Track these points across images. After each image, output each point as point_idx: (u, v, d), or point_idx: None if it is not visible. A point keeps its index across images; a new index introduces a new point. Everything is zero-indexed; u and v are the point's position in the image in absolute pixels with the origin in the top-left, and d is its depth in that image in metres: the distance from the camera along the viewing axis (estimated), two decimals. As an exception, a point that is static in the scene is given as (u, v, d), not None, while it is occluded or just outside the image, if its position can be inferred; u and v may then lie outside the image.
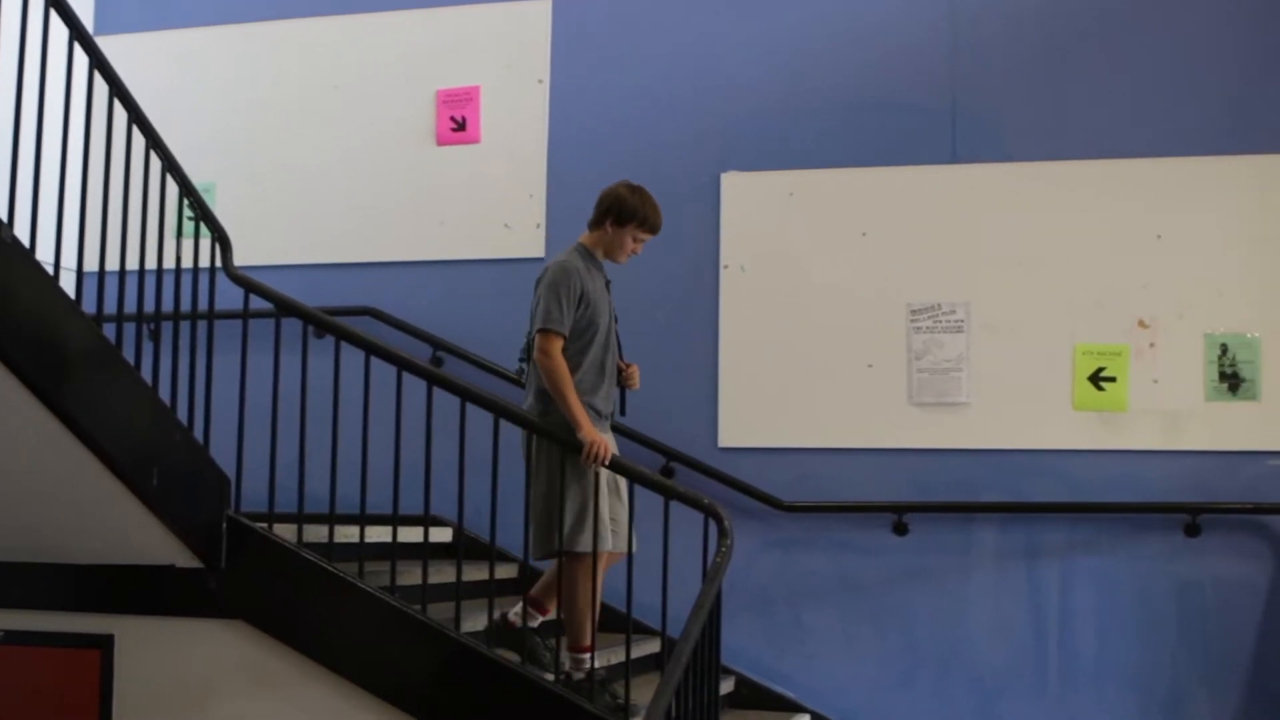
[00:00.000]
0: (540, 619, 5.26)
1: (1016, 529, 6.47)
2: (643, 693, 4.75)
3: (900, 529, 6.47)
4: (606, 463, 5.04)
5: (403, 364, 5.31)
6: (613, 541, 5.09)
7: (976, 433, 6.52)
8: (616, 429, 5.47)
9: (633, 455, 5.99)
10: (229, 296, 5.46)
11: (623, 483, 5.19)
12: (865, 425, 6.57)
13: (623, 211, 5.13)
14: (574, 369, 5.06)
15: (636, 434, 6.66)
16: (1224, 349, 6.37)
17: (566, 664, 5.17)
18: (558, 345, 5.01)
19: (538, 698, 5.02)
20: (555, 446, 5.05)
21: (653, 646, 6.03)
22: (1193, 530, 6.30)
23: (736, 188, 6.89)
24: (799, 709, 6.53)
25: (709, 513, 5.12)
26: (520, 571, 5.46)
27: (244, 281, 5.42)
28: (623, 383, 5.30)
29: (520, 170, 7.19)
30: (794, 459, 6.64)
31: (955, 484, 6.53)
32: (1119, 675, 6.37)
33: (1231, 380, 6.35)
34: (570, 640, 5.13)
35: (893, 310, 6.63)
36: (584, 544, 5.00)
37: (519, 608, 5.25)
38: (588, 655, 5.09)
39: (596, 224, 5.21)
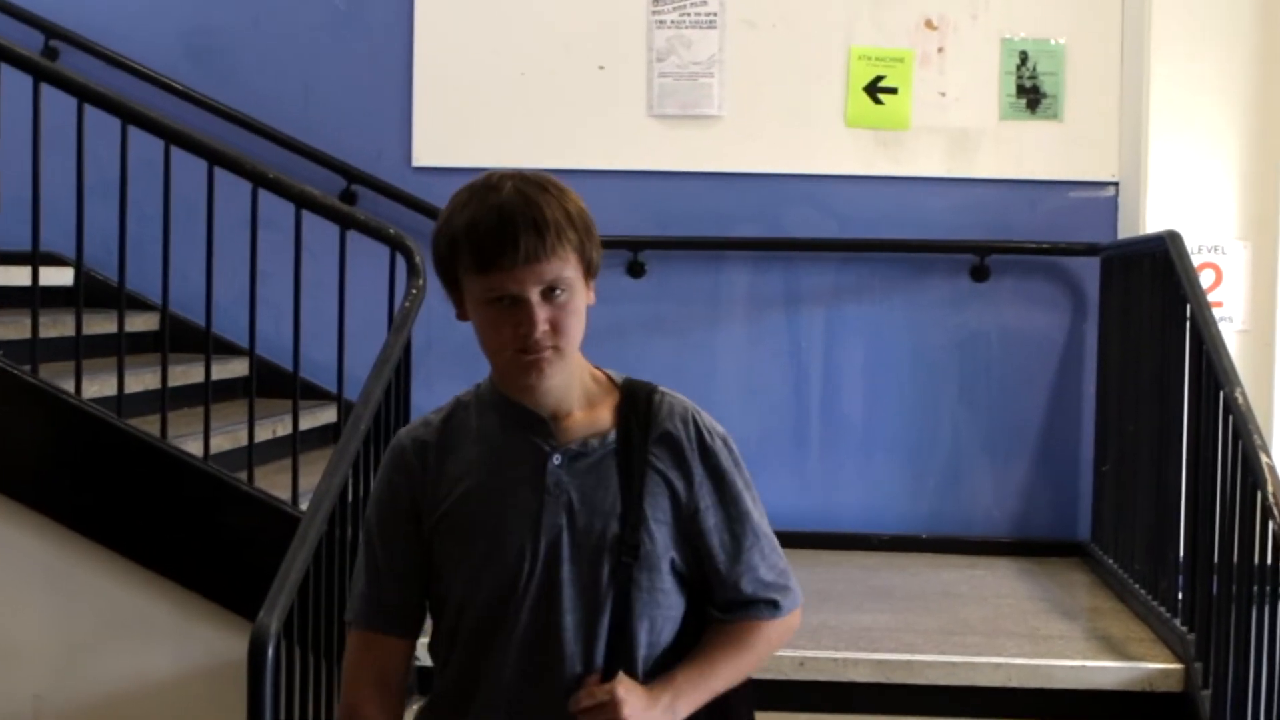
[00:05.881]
0: None
1: (774, 270, 6.69)
2: (316, 470, 4.65)
3: (636, 270, 6.64)
4: None
5: (1, 54, 5.15)
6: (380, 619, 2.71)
7: (729, 153, 6.65)
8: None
9: (306, 178, 5.96)
10: None
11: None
12: (593, 141, 6.65)
13: (436, 253, 2.60)
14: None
15: (311, 149, 6.66)
16: (1023, 57, 6.58)
17: None
18: (351, 644, 2.73)
19: (182, 474, 5.11)
20: None
21: (329, 415, 6.12)
22: (981, 273, 6.61)
23: None
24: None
25: (396, 245, 5.19)
26: (160, 322, 5.42)
27: None
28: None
29: None
30: (505, 180, 6.66)
31: (702, 215, 6.66)
32: (891, 441, 6.71)
33: (1031, 95, 6.58)
34: None
35: (630, -1, 6.69)
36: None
37: None
38: None
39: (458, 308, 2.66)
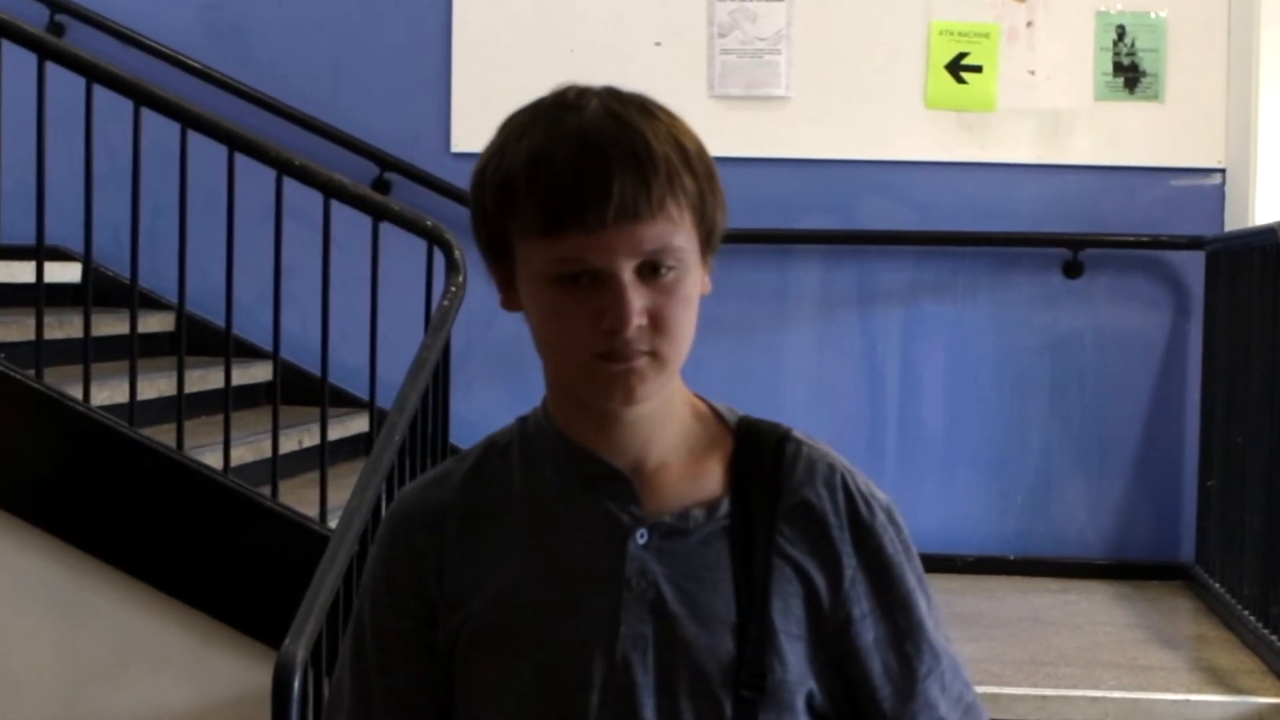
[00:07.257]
0: None
1: (847, 265, 6.69)
2: (346, 484, 4.71)
3: (696, 265, 6.58)
4: None
5: (3, 30, 5.14)
6: None
7: (798, 137, 6.65)
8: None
9: (336, 165, 5.96)
10: None
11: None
12: (649, 125, 6.64)
13: (477, 207, 1.86)
14: None
15: (341, 134, 6.69)
16: (1121, 32, 6.56)
17: None
18: None
19: (200, 488, 5.08)
20: None
21: (360, 424, 6.13)
22: (1074, 269, 6.59)
23: None
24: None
25: (433, 238, 5.18)
26: (176, 322, 5.41)
27: None
28: None
29: None
30: (554, 169, 6.70)
31: (768, 205, 6.63)
32: (974, 454, 6.69)
33: (1129, 74, 6.56)
34: None
35: (690, -32, 6.69)
36: None
37: None
38: None
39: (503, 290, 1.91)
